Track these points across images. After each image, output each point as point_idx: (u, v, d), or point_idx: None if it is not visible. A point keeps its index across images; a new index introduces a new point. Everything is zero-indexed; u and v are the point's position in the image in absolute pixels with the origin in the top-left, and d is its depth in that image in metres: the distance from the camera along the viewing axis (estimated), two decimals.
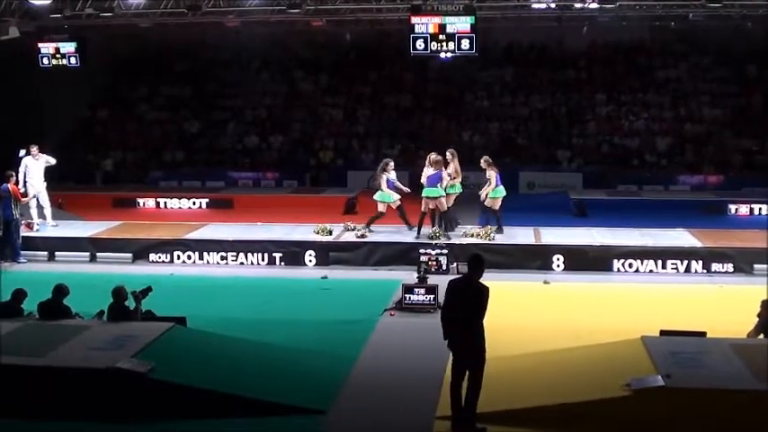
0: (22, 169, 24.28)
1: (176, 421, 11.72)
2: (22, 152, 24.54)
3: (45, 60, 30.15)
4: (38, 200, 24.42)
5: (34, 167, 24.46)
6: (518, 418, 11.55)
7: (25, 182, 24.10)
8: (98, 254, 22.89)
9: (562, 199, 31.10)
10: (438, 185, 21.99)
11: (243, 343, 14.83)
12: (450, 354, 11.77)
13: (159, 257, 22.65)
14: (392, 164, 23.17)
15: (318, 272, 21.54)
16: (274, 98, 40.58)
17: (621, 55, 40.04)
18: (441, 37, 24.84)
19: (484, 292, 11.61)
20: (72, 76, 33.48)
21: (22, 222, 23.17)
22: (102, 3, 28.47)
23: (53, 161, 24.91)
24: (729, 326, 14.67)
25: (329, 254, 22.28)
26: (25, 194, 23.59)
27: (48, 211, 24.57)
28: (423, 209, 22.40)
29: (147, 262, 22.60)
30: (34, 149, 24.63)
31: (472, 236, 22.22)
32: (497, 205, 22.83)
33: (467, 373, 11.50)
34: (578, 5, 29.44)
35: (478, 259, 12.02)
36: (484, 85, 39.76)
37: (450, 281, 12.16)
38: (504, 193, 22.95)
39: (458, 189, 23.08)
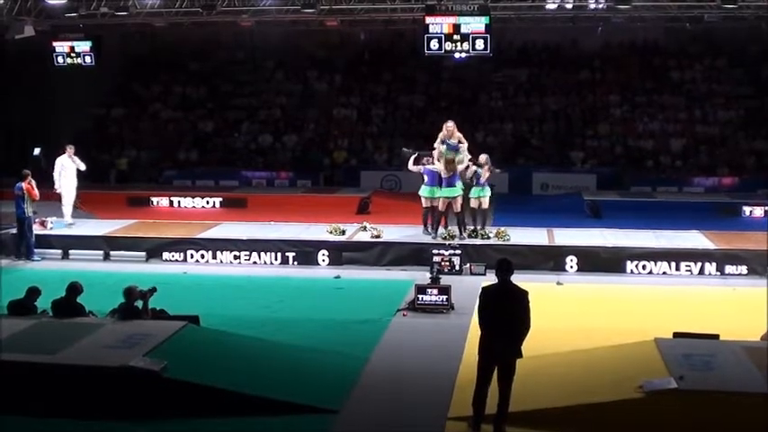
0: (57, 168, 24.47)
1: (189, 420, 11.72)
2: (37, 150, 24.62)
3: (60, 59, 30.39)
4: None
5: (70, 167, 24.52)
6: (530, 419, 11.51)
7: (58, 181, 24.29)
8: (112, 252, 22.90)
9: (575, 200, 31.05)
10: (456, 184, 21.94)
11: (256, 342, 14.85)
12: (477, 356, 11.59)
13: (173, 256, 22.66)
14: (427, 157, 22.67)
15: (331, 271, 21.54)
16: (288, 98, 40.66)
17: (636, 56, 40.01)
18: (455, 37, 24.96)
19: (525, 296, 11.45)
20: (86, 75, 33.61)
21: (36, 220, 23.23)
22: (118, 2, 28.61)
23: (83, 167, 24.87)
24: (743, 328, 14.62)
25: (342, 254, 22.27)
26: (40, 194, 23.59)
27: (68, 209, 24.60)
28: (441, 208, 22.36)
29: (160, 261, 22.61)
30: (70, 149, 24.66)
31: (481, 236, 22.26)
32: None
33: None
34: (592, 6, 29.38)
35: (508, 262, 11.81)
36: (498, 85, 39.75)
37: (484, 287, 11.87)
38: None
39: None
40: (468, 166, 22.20)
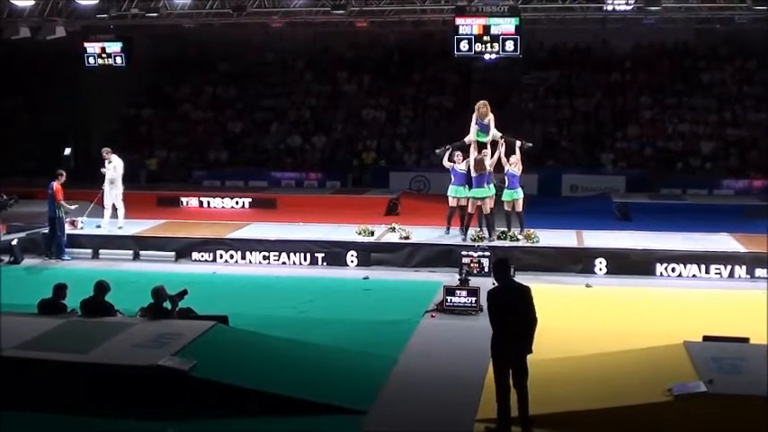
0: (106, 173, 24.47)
1: (217, 419, 11.78)
2: (67, 150, 24.69)
3: (91, 60, 30.53)
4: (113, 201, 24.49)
5: (109, 171, 24.47)
6: (557, 422, 11.47)
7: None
8: (141, 252, 23.03)
9: (605, 202, 30.93)
10: (485, 185, 21.90)
11: (284, 342, 14.88)
12: (491, 360, 11.59)
13: (202, 256, 22.77)
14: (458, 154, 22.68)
15: (360, 272, 21.57)
16: (317, 99, 40.71)
17: (666, 57, 39.79)
18: (485, 38, 24.85)
19: (528, 292, 11.43)
20: (117, 76, 33.78)
21: (67, 220, 23.36)
22: (148, 3, 28.73)
23: (107, 172, 24.77)
24: None
25: (371, 254, 22.29)
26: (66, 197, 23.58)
27: (120, 212, 24.44)
28: (469, 210, 22.33)
29: (189, 261, 22.73)
30: (104, 152, 24.65)
31: (510, 238, 22.18)
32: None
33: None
34: (622, 8, 29.24)
35: (504, 262, 11.83)
36: (528, 86, 39.63)
37: (489, 290, 11.84)
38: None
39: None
40: (496, 155, 22.15)
